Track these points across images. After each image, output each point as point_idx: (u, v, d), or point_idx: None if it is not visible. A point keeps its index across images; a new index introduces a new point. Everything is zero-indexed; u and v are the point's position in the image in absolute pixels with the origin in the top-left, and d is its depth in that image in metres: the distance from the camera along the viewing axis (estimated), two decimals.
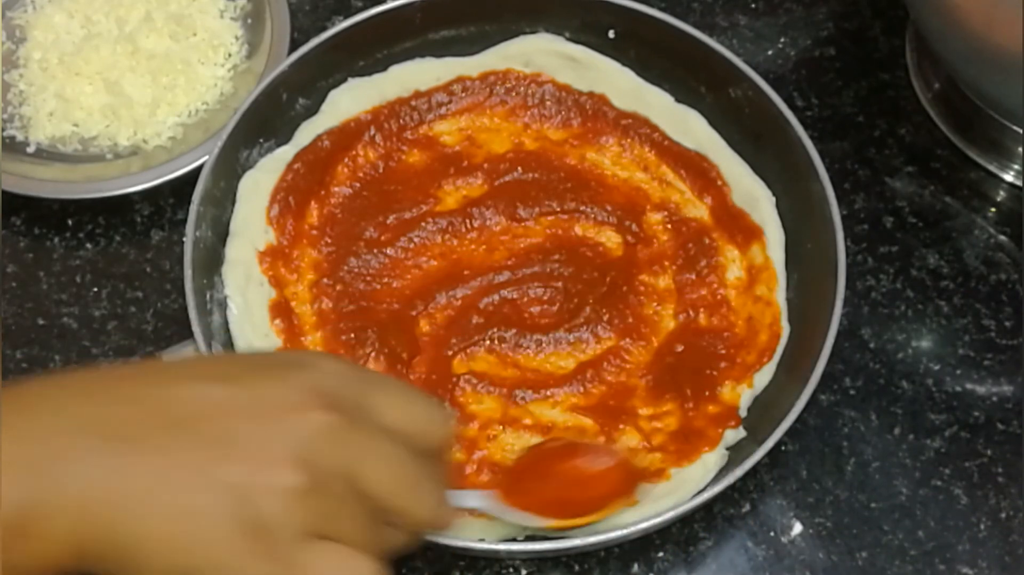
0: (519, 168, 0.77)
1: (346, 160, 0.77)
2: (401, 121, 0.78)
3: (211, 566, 0.46)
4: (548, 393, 0.71)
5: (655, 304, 0.74)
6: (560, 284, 0.74)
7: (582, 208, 0.76)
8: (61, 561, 0.46)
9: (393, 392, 0.52)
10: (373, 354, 0.70)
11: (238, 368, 0.51)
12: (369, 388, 0.51)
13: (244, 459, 0.47)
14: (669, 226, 0.76)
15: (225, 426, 0.47)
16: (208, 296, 0.71)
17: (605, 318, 0.73)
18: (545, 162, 0.78)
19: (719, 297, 0.74)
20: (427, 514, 0.51)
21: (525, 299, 0.74)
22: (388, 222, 0.75)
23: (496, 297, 0.73)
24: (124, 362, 0.51)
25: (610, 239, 0.76)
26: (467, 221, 0.75)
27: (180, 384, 0.49)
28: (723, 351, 0.72)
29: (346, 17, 0.78)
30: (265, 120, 0.76)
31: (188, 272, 0.69)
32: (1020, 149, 0.82)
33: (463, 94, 0.79)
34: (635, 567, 0.70)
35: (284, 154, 0.76)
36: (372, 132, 0.77)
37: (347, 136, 0.77)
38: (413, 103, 0.79)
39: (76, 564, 0.47)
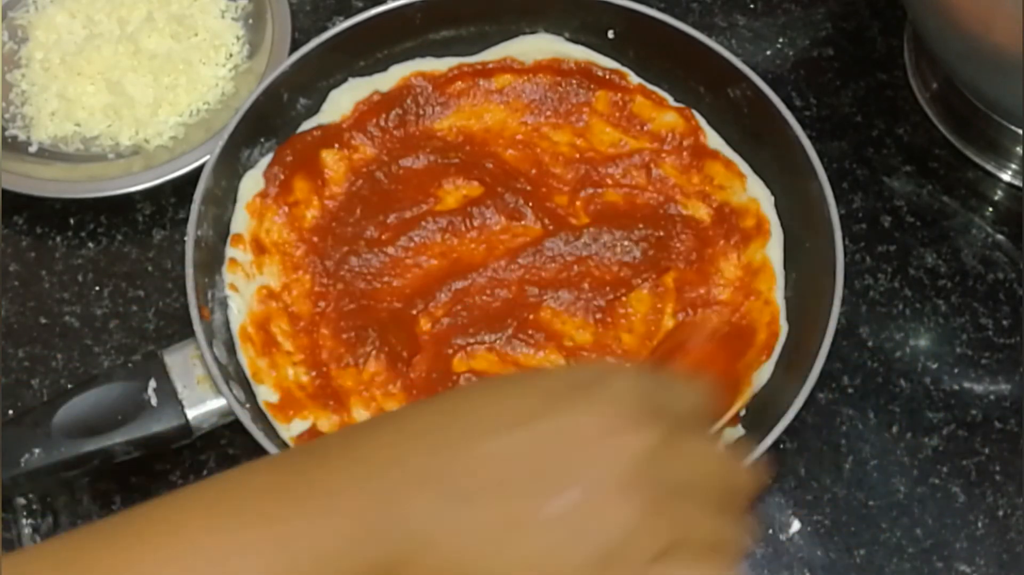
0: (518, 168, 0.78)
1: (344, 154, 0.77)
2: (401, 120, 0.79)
3: None
4: None
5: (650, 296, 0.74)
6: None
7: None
8: None
9: (677, 385, 0.52)
10: (374, 352, 0.71)
11: (532, 402, 0.48)
12: (658, 387, 0.50)
13: (573, 497, 0.46)
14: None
15: (543, 470, 0.46)
16: (210, 295, 0.71)
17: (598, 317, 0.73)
18: (541, 161, 0.78)
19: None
20: (751, 480, 0.51)
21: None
22: (388, 221, 0.75)
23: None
24: (417, 404, 0.51)
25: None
26: (467, 220, 0.75)
27: (486, 439, 0.47)
28: None
29: (347, 17, 0.79)
30: (266, 120, 0.76)
31: (189, 271, 0.69)
32: (1018, 148, 0.83)
33: None
34: None
35: None
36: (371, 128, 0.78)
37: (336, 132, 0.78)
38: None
39: None
